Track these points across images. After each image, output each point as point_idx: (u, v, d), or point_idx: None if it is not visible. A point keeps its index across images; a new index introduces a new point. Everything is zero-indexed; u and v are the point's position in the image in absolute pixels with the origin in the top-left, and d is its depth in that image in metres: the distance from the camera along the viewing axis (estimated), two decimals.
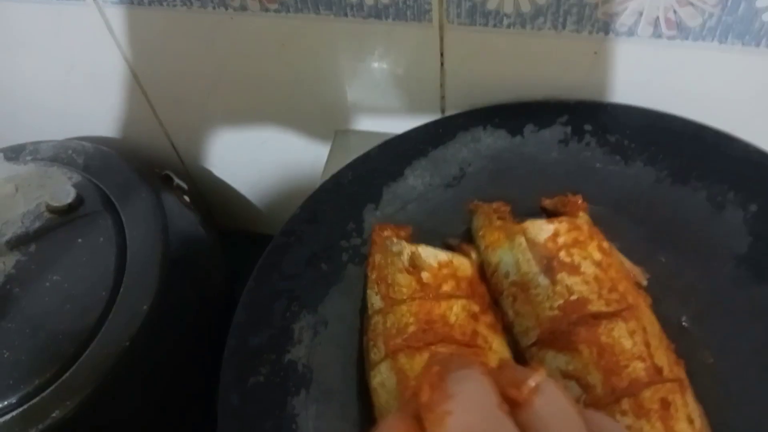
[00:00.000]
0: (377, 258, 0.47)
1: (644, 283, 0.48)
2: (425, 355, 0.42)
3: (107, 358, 0.59)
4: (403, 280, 0.45)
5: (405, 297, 0.45)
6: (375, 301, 0.46)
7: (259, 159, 0.83)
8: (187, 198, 0.80)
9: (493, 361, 0.43)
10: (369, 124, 0.70)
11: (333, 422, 0.43)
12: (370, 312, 0.46)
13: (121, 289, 0.63)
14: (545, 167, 0.56)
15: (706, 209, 0.52)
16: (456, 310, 0.44)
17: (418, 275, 0.44)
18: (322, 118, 0.73)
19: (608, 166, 0.55)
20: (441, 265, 0.46)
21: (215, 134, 0.83)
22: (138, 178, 0.72)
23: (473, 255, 0.48)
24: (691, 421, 0.40)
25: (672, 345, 0.45)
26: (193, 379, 0.67)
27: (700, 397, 0.42)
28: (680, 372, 0.43)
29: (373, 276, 0.47)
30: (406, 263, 0.45)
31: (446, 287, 0.45)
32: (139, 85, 0.76)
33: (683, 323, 0.46)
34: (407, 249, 0.46)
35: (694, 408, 0.41)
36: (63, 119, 0.84)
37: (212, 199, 0.92)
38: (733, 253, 0.49)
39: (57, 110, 0.83)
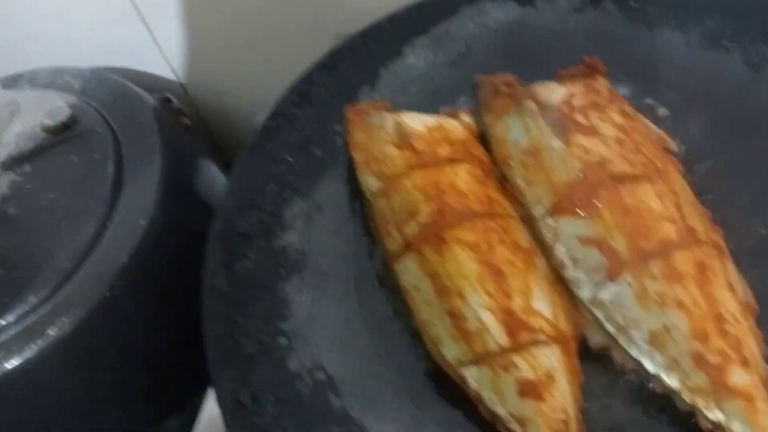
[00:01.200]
0: (359, 137, 0.42)
1: (675, 149, 0.42)
2: (457, 251, 0.37)
3: (105, 274, 0.57)
4: (394, 152, 0.40)
5: (402, 169, 0.40)
6: (371, 182, 0.41)
7: (262, 82, 0.78)
8: (186, 120, 0.77)
9: (515, 229, 0.39)
10: None
11: (331, 310, 0.39)
12: (368, 196, 0.42)
13: (119, 205, 0.60)
14: (560, 39, 0.50)
15: (742, 71, 0.46)
16: (462, 175, 0.40)
17: (409, 144, 0.39)
18: (323, 23, 0.68)
19: (631, 35, 0.49)
20: (430, 129, 0.41)
21: (217, 57, 0.79)
22: (135, 98, 0.70)
23: (465, 118, 0.43)
24: (731, 289, 0.35)
25: (707, 212, 0.39)
26: (193, 296, 0.64)
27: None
28: (718, 238, 0.38)
29: (360, 158, 0.42)
30: (392, 134, 0.40)
31: (442, 151, 0.40)
32: (136, 9, 0.72)
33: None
34: (390, 119, 0.41)
35: (734, 275, 0.36)
36: (62, 49, 0.81)
37: (215, 126, 0.88)
38: None
39: (56, 40, 0.80)
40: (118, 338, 0.58)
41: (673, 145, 0.43)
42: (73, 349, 0.55)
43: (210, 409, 0.47)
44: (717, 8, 0.48)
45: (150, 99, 0.70)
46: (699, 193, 0.40)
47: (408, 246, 0.38)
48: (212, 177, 0.74)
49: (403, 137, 0.40)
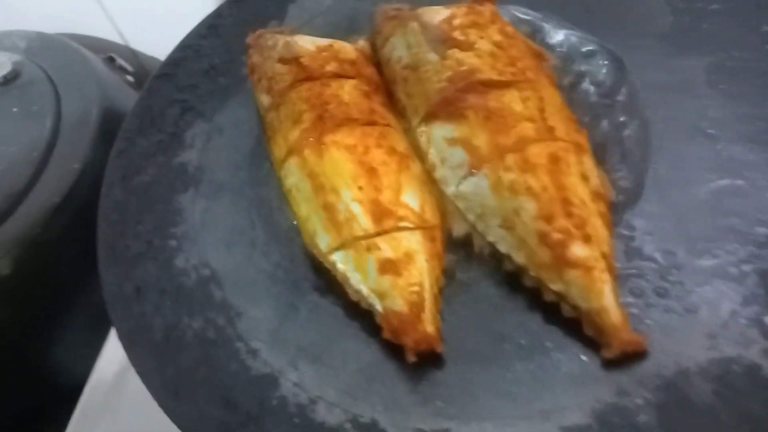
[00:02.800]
0: (255, 59, 0.45)
1: (552, 62, 0.45)
2: (334, 153, 0.39)
3: (39, 213, 0.59)
4: (282, 68, 0.42)
5: (288, 83, 0.42)
6: (263, 99, 0.44)
7: None
8: (130, 78, 0.79)
9: (394, 136, 0.41)
10: None
11: (222, 215, 0.42)
12: (262, 113, 0.44)
13: (55, 151, 0.62)
14: None
15: None
16: (348, 89, 0.42)
17: (296, 60, 0.42)
18: None
19: None
20: (320, 49, 0.43)
21: (163, 19, 0.81)
22: (77, 56, 0.72)
23: (360, 41, 0.46)
24: (584, 178, 0.38)
25: (576, 119, 0.41)
26: None
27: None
28: (580, 138, 0.40)
29: (255, 77, 0.44)
30: (282, 52, 0.43)
31: (329, 68, 0.42)
32: None
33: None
34: (281, 39, 0.44)
35: (591, 168, 0.39)
36: (13, 17, 0.83)
37: None
38: (656, 32, 0.46)
39: (6, 7, 0.82)
40: (53, 277, 0.61)
41: (550, 59, 0.45)
42: (10, 288, 0.57)
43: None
44: None
45: (92, 57, 0.73)
46: None
47: (291, 150, 0.40)
48: None
49: (291, 54, 0.43)
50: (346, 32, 0.50)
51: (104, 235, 0.40)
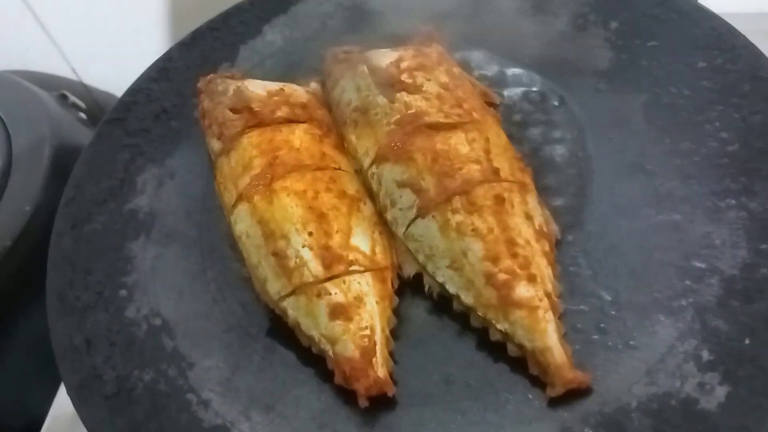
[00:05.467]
0: (206, 104, 0.45)
1: (497, 101, 0.46)
2: (284, 198, 0.40)
3: None
4: (233, 115, 0.43)
5: (240, 129, 0.43)
6: (214, 145, 0.44)
7: None
8: (83, 115, 0.78)
9: (344, 180, 0.41)
10: None
11: (173, 262, 0.42)
12: (213, 158, 0.45)
13: (5, 192, 0.62)
14: (408, 13, 0.54)
15: (568, 32, 0.50)
16: (299, 134, 0.43)
17: (247, 107, 0.42)
18: None
19: (470, 4, 0.53)
20: (271, 94, 0.44)
21: (114, 54, 0.80)
22: (27, 94, 0.71)
23: (312, 84, 0.46)
24: (529, 218, 0.39)
25: (520, 156, 0.43)
26: None
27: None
28: (524, 177, 0.41)
29: (206, 123, 0.45)
30: (232, 98, 0.43)
31: (280, 113, 0.43)
32: (30, 11, 0.74)
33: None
34: (232, 85, 0.44)
35: (534, 207, 0.40)
36: None
37: None
38: (595, 69, 0.47)
39: None
40: (1, 321, 0.59)
41: (495, 99, 0.46)
42: None
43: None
44: None
45: (44, 95, 0.72)
46: None
47: (241, 197, 0.41)
48: None
49: (242, 101, 0.43)
50: (296, 74, 0.51)
51: (53, 286, 0.39)
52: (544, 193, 0.41)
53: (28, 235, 0.59)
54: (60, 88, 0.80)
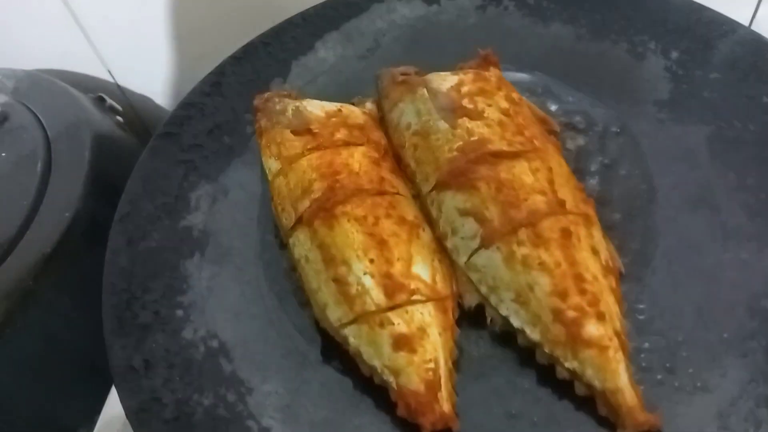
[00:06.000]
0: (263, 123, 0.45)
1: (557, 129, 0.46)
2: (344, 224, 0.39)
3: (29, 264, 0.58)
4: (293, 135, 0.42)
5: (299, 151, 0.42)
6: (271, 164, 0.44)
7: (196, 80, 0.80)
8: (120, 119, 0.78)
9: (403, 205, 0.41)
10: None
11: (229, 283, 0.42)
12: (270, 178, 0.44)
13: (45, 199, 0.61)
14: (463, 35, 0.54)
15: (627, 60, 0.49)
16: (358, 157, 0.42)
17: (307, 128, 0.42)
18: (251, 27, 0.70)
19: (527, 29, 0.53)
20: (329, 115, 0.43)
21: (152, 59, 0.81)
22: (67, 97, 0.71)
23: (367, 105, 0.46)
24: (595, 252, 0.38)
25: (582, 187, 0.42)
26: None
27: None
28: (588, 209, 0.41)
29: (263, 142, 0.44)
30: (291, 118, 0.43)
31: (339, 135, 0.42)
32: (71, 12, 0.74)
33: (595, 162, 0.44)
34: (291, 105, 0.44)
35: (600, 241, 0.39)
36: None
37: (152, 126, 0.90)
38: (655, 99, 0.47)
39: None
40: (42, 328, 0.59)
41: (555, 126, 0.46)
42: (1, 342, 0.55)
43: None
44: (603, 4, 0.52)
45: (82, 98, 0.72)
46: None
47: (300, 220, 0.40)
48: None
49: (302, 122, 0.43)
50: (349, 92, 0.51)
51: (111, 304, 0.39)
52: (606, 225, 0.40)
53: (69, 241, 0.58)
54: (96, 90, 0.80)
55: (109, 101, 0.78)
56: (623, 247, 0.40)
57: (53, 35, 0.78)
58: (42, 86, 0.73)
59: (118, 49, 0.79)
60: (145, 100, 0.87)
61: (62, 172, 0.64)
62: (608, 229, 0.40)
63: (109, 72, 0.82)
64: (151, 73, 0.83)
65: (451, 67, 0.49)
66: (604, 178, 0.44)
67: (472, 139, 0.42)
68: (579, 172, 0.43)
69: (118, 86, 0.85)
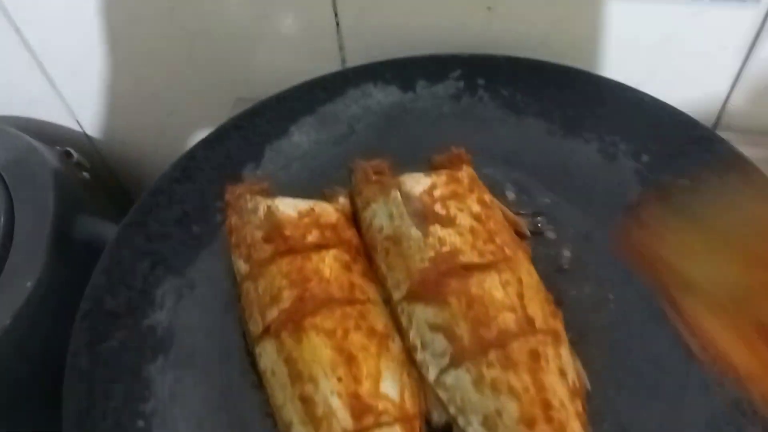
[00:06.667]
0: (234, 220, 0.44)
1: (527, 233, 0.46)
2: (313, 338, 0.39)
3: None
4: (263, 238, 0.42)
5: (269, 255, 0.42)
6: (240, 266, 0.43)
7: (166, 132, 0.79)
8: (86, 174, 0.77)
9: (373, 314, 0.41)
10: (271, 91, 0.67)
11: (193, 388, 0.40)
12: (238, 278, 0.43)
13: (5, 266, 0.60)
14: (437, 123, 0.54)
15: (597, 160, 0.50)
16: (329, 262, 0.42)
17: (279, 233, 0.41)
18: (221, 86, 0.70)
19: (500, 120, 0.53)
20: (302, 215, 0.43)
21: (120, 108, 0.79)
22: (32, 154, 0.69)
23: (340, 199, 0.46)
24: (563, 374, 0.38)
25: (550, 296, 0.42)
26: None
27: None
28: (556, 324, 0.41)
29: (233, 240, 0.44)
30: (263, 220, 0.42)
31: (311, 238, 0.42)
32: (37, 62, 0.72)
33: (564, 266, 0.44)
34: (263, 204, 0.43)
35: (568, 361, 0.39)
36: None
37: (123, 176, 0.88)
38: (623, 202, 0.47)
39: None
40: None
41: (525, 230, 0.46)
42: None
43: None
44: (577, 101, 0.52)
45: (48, 154, 0.70)
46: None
47: (268, 330, 0.40)
48: (106, 235, 0.73)
49: (273, 225, 0.42)
50: (322, 179, 0.50)
51: (70, 412, 0.38)
52: (571, 338, 0.40)
53: (29, 312, 0.57)
54: (63, 141, 0.78)
55: (77, 157, 0.76)
56: (588, 362, 0.40)
57: (19, 81, 0.76)
58: (6, 141, 0.71)
59: (85, 97, 0.78)
60: (115, 151, 0.85)
61: (24, 238, 0.62)
62: (573, 343, 0.40)
63: (77, 122, 0.81)
64: (122, 123, 0.82)
65: (425, 154, 0.49)
66: (570, 286, 0.44)
67: (443, 249, 0.42)
68: (547, 274, 0.43)
69: (86, 135, 0.83)
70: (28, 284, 0.58)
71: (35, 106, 0.80)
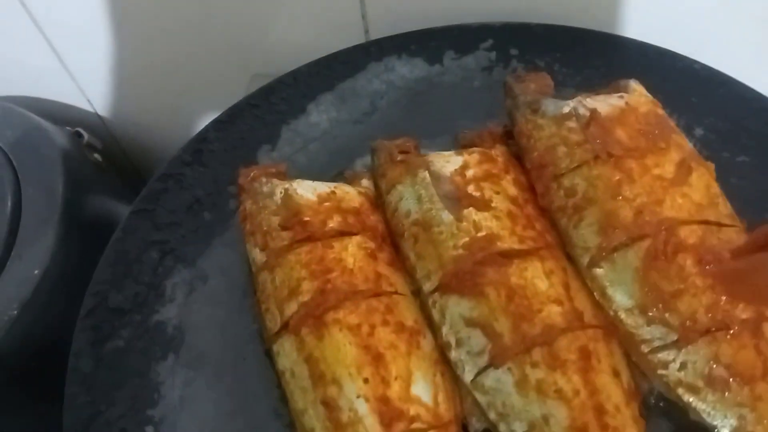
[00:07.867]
0: (248, 205, 0.40)
1: None
2: (336, 335, 0.35)
3: None
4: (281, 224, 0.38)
5: (287, 243, 0.38)
6: (255, 255, 0.39)
7: (181, 111, 0.76)
8: (98, 156, 0.73)
9: (402, 308, 0.37)
10: (290, 67, 0.63)
11: (205, 391, 0.37)
12: (254, 269, 0.40)
13: (13, 254, 0.57)
14: (467, 98, 0.50)
15: None
16: (352, 250, 0.38)
17: (297, 219, 0.37)
18: (238, 62, 0.66)
19: None
20: (322, 199, 0.39)
21: (132, 85, 0.76)
22: (42, 136, 0.66)
23: (363, 181, 0.42)
24: (617, 374, 0.34)
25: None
26: None
27: None
28: (606, 317, 0.36)
29: (247, 227, 0.40)
30: (280, 205, 0.38)
31: (332, 223, 0.38)
32: (42, 33, 0.69)
33: None
34: (279, 187, 0.39)
35: (620, 360, 0.35)
36: None
37: (135, 156, 0.85)
38: None
39: None
40: (8, 392, 0.54)
41: None
42: None
43: None
44: (623, 71, 0.47)
45: (58, 136, 0.67)
46: None
47: (286, 326, 0.36)
48: (119, 220, 0.70)
49: (291, 210, 0.38)
50: (343, 161, 0.46)
51: (71, 423, 0.34)
52: None
53: (37, 301, 0.53)
54: (74, 122, 0.75)
55: (87, 138, 0.73)
56: None
57: (27, 59, 0.73)
58: (15, 122, 0.68)
59: (95, 74, 0.74)
60: (128, 131, 0.82)
61: (32, 224, 0.59)
62: None
63: (89, 101, 0.78)
64: (134, 101, 0.78)
65: (454, 133, 0.45)
66: None
67: (479, 234, 0.37)
68: None
69: (98, 116, 0.80)
70: (36, 272, 0.55)
71: (44, 84, 0.76)
